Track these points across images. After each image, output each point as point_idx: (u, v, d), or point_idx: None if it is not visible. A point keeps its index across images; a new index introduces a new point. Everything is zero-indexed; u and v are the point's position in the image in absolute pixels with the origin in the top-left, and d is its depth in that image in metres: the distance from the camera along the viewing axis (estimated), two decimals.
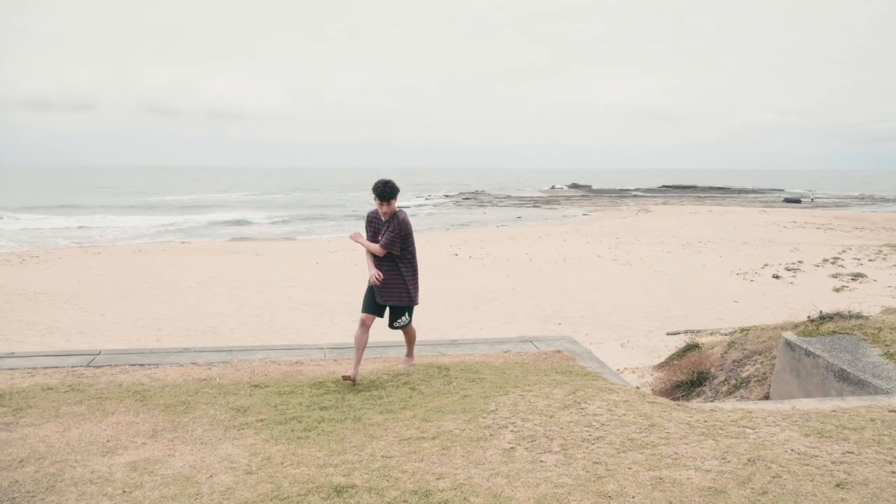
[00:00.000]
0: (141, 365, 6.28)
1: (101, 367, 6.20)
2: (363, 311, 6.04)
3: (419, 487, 3.67)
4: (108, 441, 4.39)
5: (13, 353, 6.87)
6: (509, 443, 4.26)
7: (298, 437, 4.45)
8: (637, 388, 9.05)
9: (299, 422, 4.75)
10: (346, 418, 4.82)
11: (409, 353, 6.43)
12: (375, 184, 5.85)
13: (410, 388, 5.55)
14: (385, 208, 5.84)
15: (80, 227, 43.99)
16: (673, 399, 8.19)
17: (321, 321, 15.43)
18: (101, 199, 71.58)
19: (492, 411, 4.86)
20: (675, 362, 10.30)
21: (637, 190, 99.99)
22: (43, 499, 3.55)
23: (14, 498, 3.56)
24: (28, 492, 3.63)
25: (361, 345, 5.86)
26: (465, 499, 3.53)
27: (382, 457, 4.10)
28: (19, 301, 17.10)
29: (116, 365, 6.26)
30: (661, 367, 10.70)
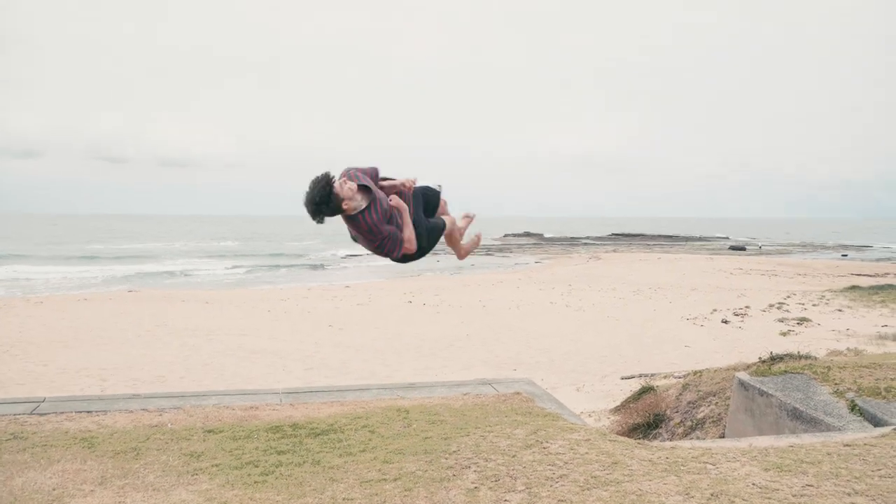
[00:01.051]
0: (88, 412, 6.03)
1: (45, 414, 5.94)
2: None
3: None
4: (53, 489, 4.18)
5: None
6: (473, 482, 4.20)
7: (255, 482, 4.31)
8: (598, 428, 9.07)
9: (256, 466, 4.61)
10: (304, 462, 4.70)
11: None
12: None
13: (370, 431, 5.45)
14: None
15: (23, 277, 42.62)
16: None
17: (274, 369, 15.13)
18: (46, 249, 69.60)
19: (454, 452, 4.79)
20: (630, 405, 10.35)
21: (587, 238, 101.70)
22: None
23: None
24: None
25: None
26: None
27: (343, 499, 3.99)
28: None
29: (62, 412, 6.01)
30: (617, 410, 10.74)
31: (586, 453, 4.66)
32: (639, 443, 5.07)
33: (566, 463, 4.47)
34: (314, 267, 53.25)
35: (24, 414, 5.91)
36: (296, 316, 23.34)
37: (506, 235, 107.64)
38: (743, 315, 22.72)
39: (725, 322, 21.35)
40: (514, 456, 4.65)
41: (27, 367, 14.94)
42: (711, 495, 3.89)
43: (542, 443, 4.91)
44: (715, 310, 24.05)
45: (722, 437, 7.95)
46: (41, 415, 5.93)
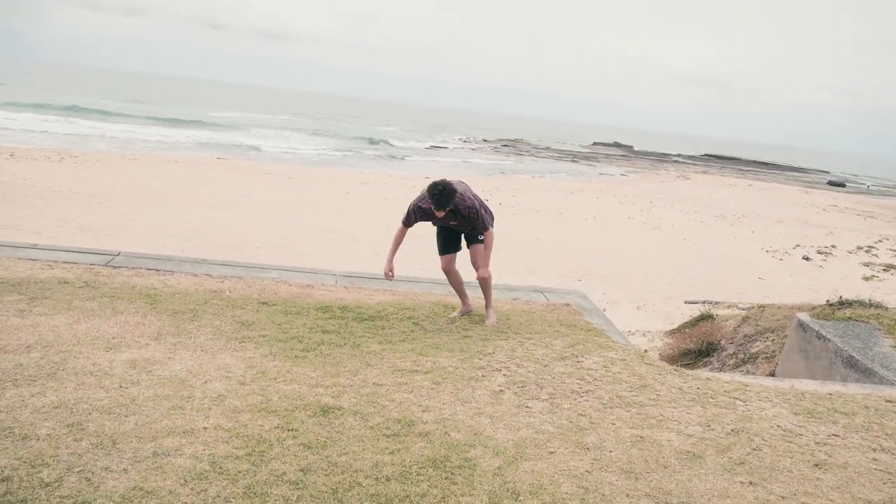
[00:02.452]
0: (157, 270, 6.41)
1: (118, 267, 6.34)
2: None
3: (403, 417, 3.74)
4: (113, 338, 4.52)
5: (37, 245, 7.05)
6: (499, 386, 4.31)
7: (296, 356, 4.54)
8: (644, 350, 9.07)
9: (300, 342, 4.84)
10: (345, 344, 4.90)
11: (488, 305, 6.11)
12: (431, 192, 5.34)
13: (413, 323, 5.61)
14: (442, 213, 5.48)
15: (122, 133, 44.40)
16: (678, 366, 8.20)
17: (344, 250, 15.56)
18: (146, 109, 72.00)
19: (488, 354, 4.91)
20: (686, 330, 10.26)
21: (679, 155, 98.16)
22: (43, 384, 3.69)
23: (16, 380, 3.70)
24: (30, 376, 3.77)
25: (458, 283, 6.05)
26: (445, 433, 3.60)
27: (374, 384, 4.18)
28: (55, 198, 17.46)
29: (133, 267, 6.40)
30: (672, 333, 10.67)
31: (618, 373, 4.70)
32: (674, 369, 5.06)
33: (595, 379, 4.53)
34: (395, 156, 53.47)
35: (99, 265, 6.33)
36: (374, 201, 23.72)
37: (594, 144, 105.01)
38: (827, 254, 21.82)
39: (806, 259, 20.58)
40: (546, 366, 4.73)
41: (117, 219, 15.81)
42: (731, 431, 3.89)
43: (577, 357, 4.97)
44: (798, 245, 23.16)
45: (772, 374, 7.84)
46: (114, 267, 6.33)
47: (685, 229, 24.70)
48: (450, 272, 5.98)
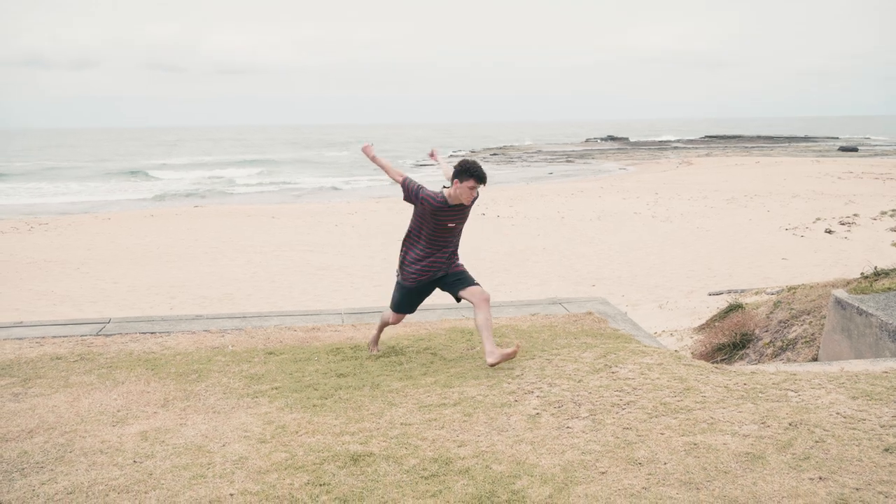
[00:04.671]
0: (152, 333, 6.39)
1: (111, 335, 6.32)
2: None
3: (439, 455, 3.71)
4: (118, 411, 4.49)
5: (21, 322, 7.03)
6: (535, 408, 4.29)
7: (314, 405, 4.52)
8: (675, 350, 9.03)
9: (315, 389, 4.82)
10: (363, 385, 4.88)
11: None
12: (473, 167, 5.10)
13: (432, 354, 5.59)
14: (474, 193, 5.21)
15: (86, 194, 44.49)
16: (714, 363, 8.17)
17: (341, 286, 15.56)
18: (108, 165, 72.21)
19: (517, 376, 4.89)
20: (716, 324, 10.24)
21: (678, 141, 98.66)
22: (52, 469, 3.66)
23: (23, 469, 3.67)
24: (37, 462, 3.74)
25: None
26: (487, 466, 3.57)
27: (401, 424, 4.15)
28: (29, 269, 17.47)
29: (127, 333, 6.38)
30: (701, 329, 10.65)
31: (657, 378, 4.68)
32: (716, 367, 5.04)
33: (635, 389, 4.50)
34: (383, 180, 53.55)
35: (90, 335, 6.31)
36: (363, 231, 23.74)
37: (587, 140, 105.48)
38: (850, 224, 21.87)
39: (829, 232, 20.62)
40: (580, 381, 4.70)
41: (98, 284, 15.81)
42: (790, 425, 3.86)
43: (610, 367, 4.95)
44: (818, 218, 23.22)
45: (815, 359, 7.81)
46: (107, 335, 6.31)
47: (696, 217, 24.75)
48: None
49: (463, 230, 5.50)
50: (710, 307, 12.55)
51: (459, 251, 5.54)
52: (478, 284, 5.38)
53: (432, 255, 5.34)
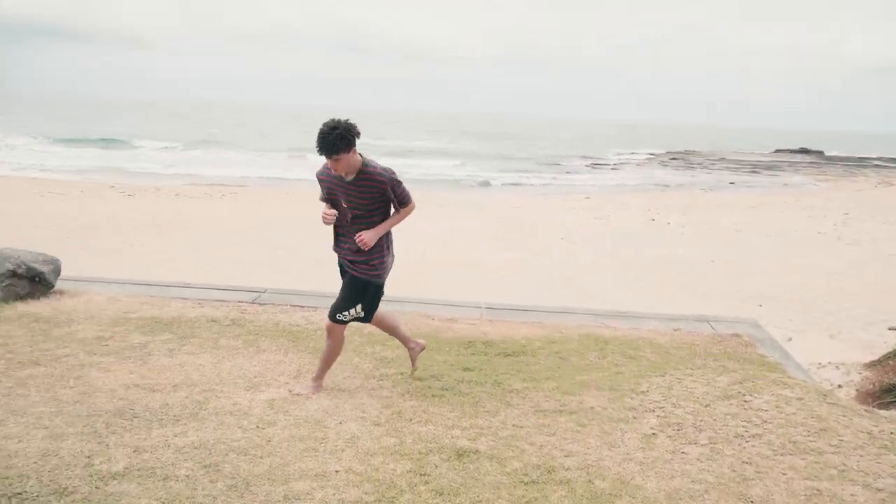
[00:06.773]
0: (301, 306, 6.77)
1: (264, 304, 6.76)
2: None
3: (543, 462, 3.70)
4: (254, 377, 4.82)
5: (189, 283, 7.66)
6: (652, 428, 4.16)
7: (434, 395, 4.62)
8: (838, 385, 8.38)
9: (438, 380, 4.93)
10: (486, 381, 4.93)
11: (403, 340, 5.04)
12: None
13: (561, 359, 5.55)
14: (335, 165, 4.23)
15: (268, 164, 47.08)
16: (880, 405, 7.51)
17: (487, 281, 15.66)
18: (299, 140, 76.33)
19: (641, 392, 4.76)
20: (890, 361, 9.39)
21: (880, 159, 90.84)
22: (186, 423, 3.99)
23: (161, 419, 4.03)
24: (175, 416, 4.09)
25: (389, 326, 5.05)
26: (589, 481, 3.51)
27: (513, 426, 4.17)
28: (210, 233, 18.91)
29: (278, 304, 6.80)
30: (872, 365, 9.80)
31: (793, 414, 4.39)
32: (865, 409, 4.67)
33: (765, 422, 4.25)
34: (561, 172, 53.25)
35: (246, 302, 6.79)
36: (527, 226, 23.74)
37: (776, 151, 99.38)
38: None
39: None
40: (707, 405, 4.51)
41: (267, 252, 16.85)
42: None
43: (744, 395, 4.70)
44: None
45: None
46: (261, 304, 6.76)
47: (890, 243, 22.72)
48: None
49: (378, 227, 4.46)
50: (887, 343, 11.53)
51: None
52: (336, 311, 4.54)
53: (337, 237, 4.65)
